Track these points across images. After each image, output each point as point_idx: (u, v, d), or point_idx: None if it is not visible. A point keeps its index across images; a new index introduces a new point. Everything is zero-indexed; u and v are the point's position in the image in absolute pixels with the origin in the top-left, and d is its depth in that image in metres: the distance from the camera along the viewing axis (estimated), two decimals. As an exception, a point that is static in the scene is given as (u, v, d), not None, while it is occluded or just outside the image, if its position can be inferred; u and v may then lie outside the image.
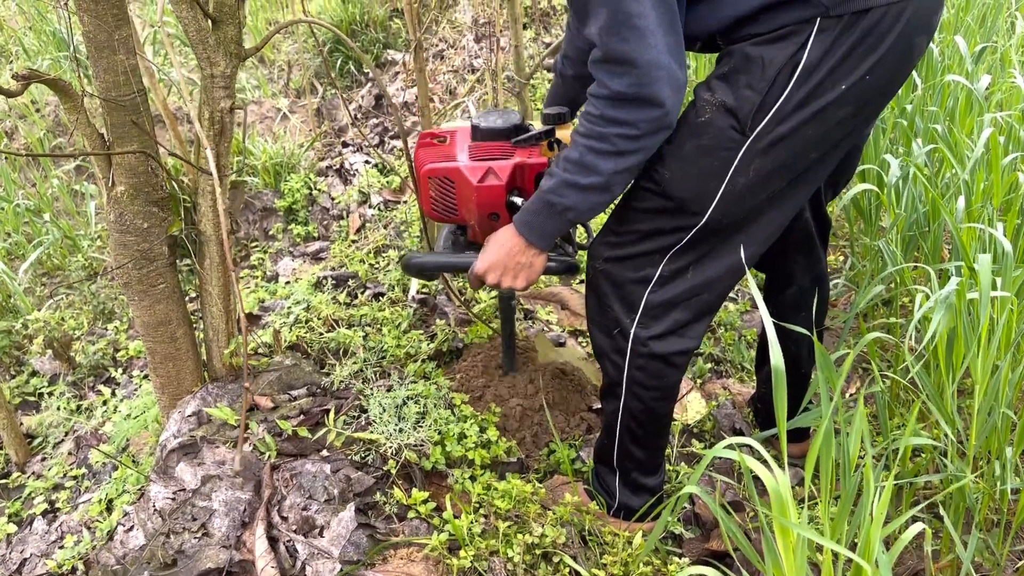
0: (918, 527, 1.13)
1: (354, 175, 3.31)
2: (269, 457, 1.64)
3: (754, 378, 2.10)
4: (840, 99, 1.26)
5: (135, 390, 2.26)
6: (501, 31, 4.11)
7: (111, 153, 1.61)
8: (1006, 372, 1.56)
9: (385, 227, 2.70)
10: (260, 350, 2.01)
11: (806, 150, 1.31)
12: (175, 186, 1.78)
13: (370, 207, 2.97)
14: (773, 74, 1.24)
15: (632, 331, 1.46)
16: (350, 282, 2.40)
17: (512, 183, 1.56)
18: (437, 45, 4.13)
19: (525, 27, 4.31)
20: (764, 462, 1.09)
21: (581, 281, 2.31)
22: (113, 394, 2.28)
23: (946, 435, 1.56)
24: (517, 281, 1.50)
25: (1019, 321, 1.65)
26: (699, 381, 2.15)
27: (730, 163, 1.31)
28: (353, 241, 2.85)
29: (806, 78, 1.24)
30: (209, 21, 1.61)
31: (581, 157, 1.31)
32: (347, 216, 3.05)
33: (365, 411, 1.78)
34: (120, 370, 2.38)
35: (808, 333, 1.51)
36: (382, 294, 2.32)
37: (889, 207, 2.09)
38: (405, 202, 2.89)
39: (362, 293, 2.33)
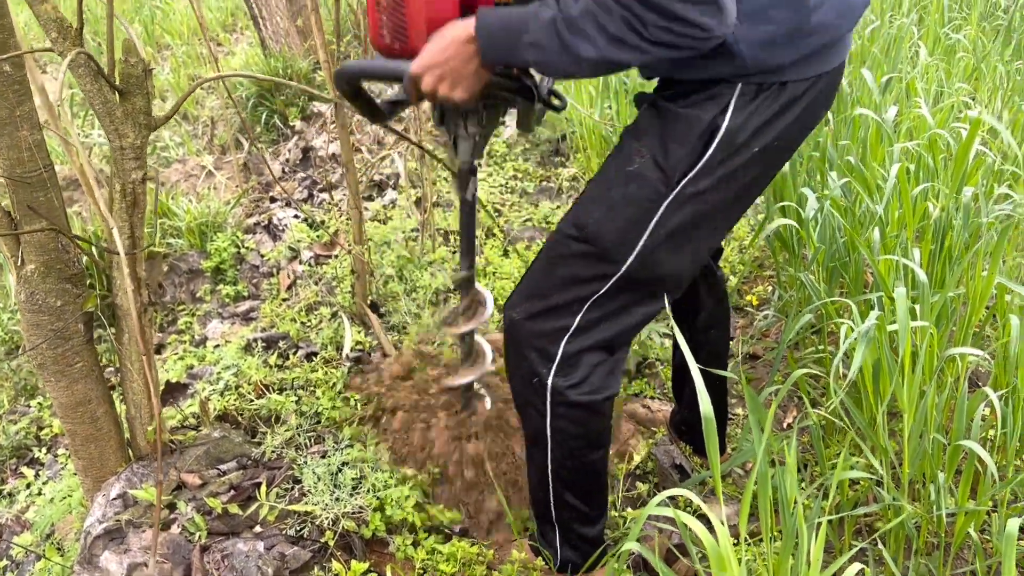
0: (856, 568, 1.13)
1: (283, 230, 3.26)
2: (199, 538, 1.57)
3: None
4: (752, 159, 1.32)
5: (60, 470, 2.16)
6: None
7: (18, 233, 1.55)
8: (932, 397, 1.60)
9: (316, 283, 2.66)
10: (187, 423, 1.95)
11: (724, 202, 1.36)
12: (94, 254, 1.72)
13: (300, 263, 2.92)
14: (700, 132, 1.29)
15: (550, 381, 1.44)
16: (281, 343, 2.34)
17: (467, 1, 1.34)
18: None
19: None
20: (700, 515, 1.08)
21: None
22: (37, 476, 2.18)
23: (880, 463, 1.58)
24: (456, 90, 1.31)
25: (940, 347, 1.69)
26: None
27: (654, 214, 1.33)
28: (284, 299, 2.80)
29: (729, 139, 1.29)
30: (116, 93, 1.57)
31: (580, 18, 1.17)
32: (277, 273, 3.00)
33: (299, 481, 1.72)
34: (44, 449, 2.27)
35: (719, 373, 1.52)
36: (315, 354, 2.27)
37: (808, 240, 2.14)
38: (336, 256, 2.85)
39: (294, 354, 2.28)
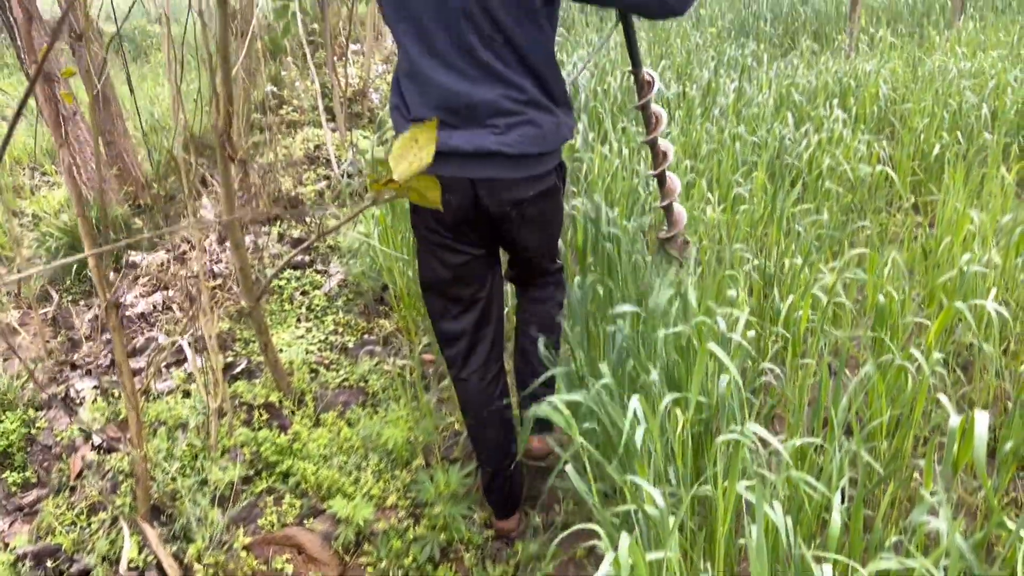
0: None
1: (80, 404, 3.05)
2: None
3: None
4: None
5: None
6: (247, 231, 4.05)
7: None
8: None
9: (103, 477, 2.47)
10: None
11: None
12: None
13: (92, 447, 2.72)
14: None
15: None
16: (49, 561, 2.14)
17: None
18: (180, 246, 3.99)
19: (273, 222, 4.28)
20: None
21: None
22: None
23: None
24: None
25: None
26: None
27: None
28: (72, 489, 2.59)
29: None
30: None
31: None
32: (70, 456, 2.78)
33: None
34: None
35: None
36: (87, 573, 2.09)
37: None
38: (130, 439, 2.67)
39: (66, 571, 2.09)
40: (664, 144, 2.43)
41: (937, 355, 2.10)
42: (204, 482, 2.30)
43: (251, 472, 2.43)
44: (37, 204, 5.02)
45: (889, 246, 3.77)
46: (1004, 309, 2.46)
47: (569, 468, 1.69)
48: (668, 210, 2.56)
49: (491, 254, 2.04)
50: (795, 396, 2.13)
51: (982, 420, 1.56)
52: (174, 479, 2.27)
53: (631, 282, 2.51)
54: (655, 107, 2.36)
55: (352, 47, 8.05)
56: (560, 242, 2.23)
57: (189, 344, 2.73)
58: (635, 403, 1.64)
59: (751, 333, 2.18)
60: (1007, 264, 2.97)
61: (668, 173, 2.48)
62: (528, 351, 2.21)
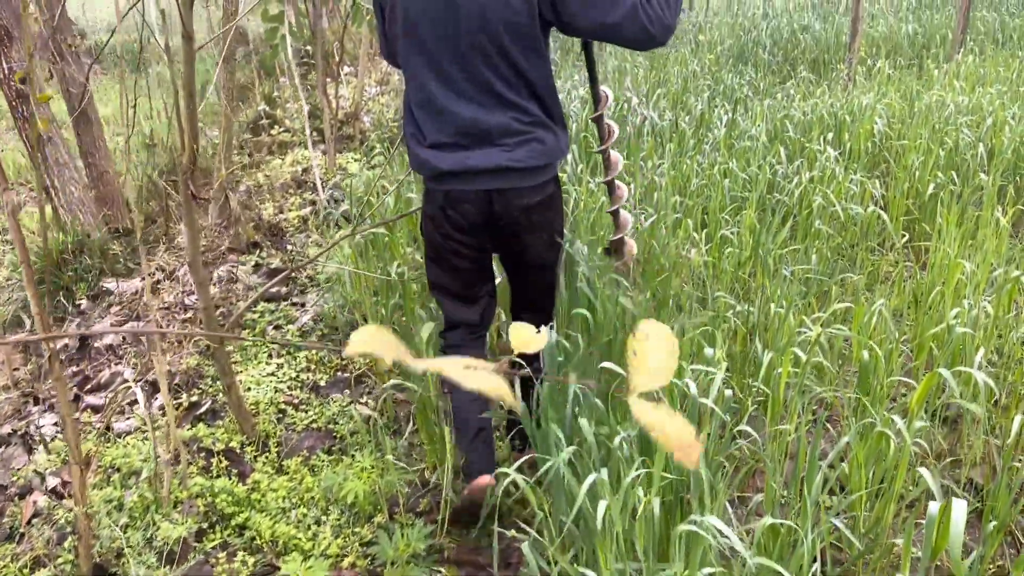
0: None
1: (39, 443, 2.95)
2: None
3: None
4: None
5: None
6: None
7: None
8: None
9: (53, 525, 2.37)
10: None
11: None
12: None
13: (45, 491, 2.62)
14: None
15: None
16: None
17: None
18: (154, 275, 3.90)
19: (250, 250, 4.19)
20: None
21: None
22: None
23: None
24: None
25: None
26: None
27: None
28: (22, 535, 2.48)
29: None
30: None
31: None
32: (24, 498, 2.68)
33: None
34: None
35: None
36: (21, 636, 1.98)
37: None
38: (73, 496, 2.57)
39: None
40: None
41: (920, 423, 2.00)
42: (152, 538, 2.20)
43: (205, 525, 2.33)
44: (22, 221, 4.93)
45: (880, 287, 3.69)
46: (989, 376, 2.36)
47: (526, 548, 1.59)
48: (615, 215, 2.63)
49: (489, 265, 2.34)
50: (773, 459, 2.03)
51: (959, 510, 1.46)
52: (122, 533, 2.17)
53: (607, 330, 2.42)
54: (609, 120, 2.52)
55: (346, 68, 7.99)
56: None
57: (143, 389, 2.63)
58: (591, 480, 1.55)
59: (728, 392, 2.08)
60: (998, 313, 2.88)
61: (616, 182, 2.59)
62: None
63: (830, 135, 4.87)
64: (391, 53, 2.21)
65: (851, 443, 1.98)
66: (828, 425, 2.60)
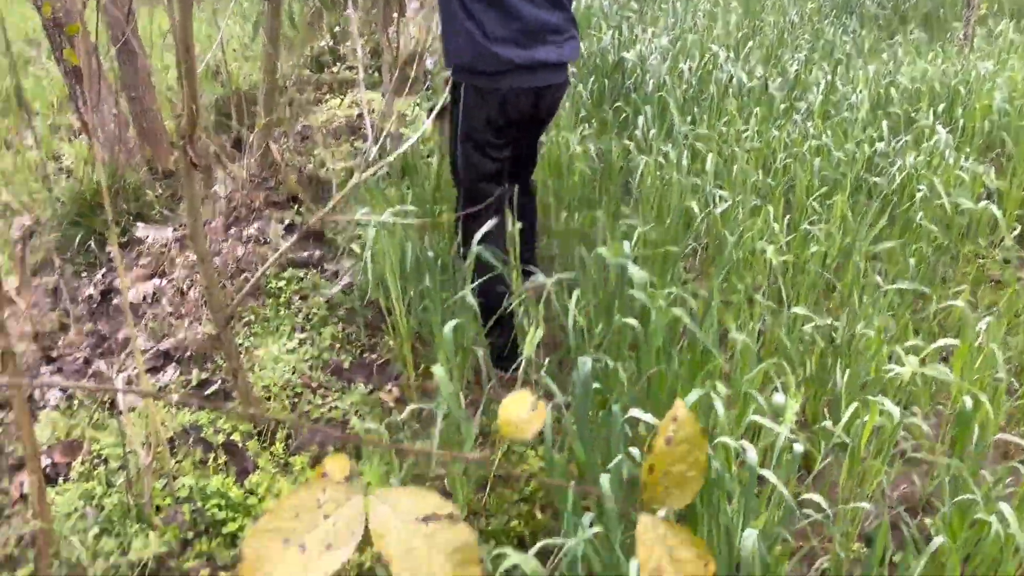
0: None
1: (44, 407, 2.77)
2: None
3: None
4: None
5: None
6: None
7: None
8: None
9: (26, 521, 2.18)
10: None
11: None
12: None
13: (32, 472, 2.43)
14: None
15: None
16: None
17: None
18: (184, 226, 3.67)
19: (290, 203, 3.92)
20: None
21: None
22: None
23: None
24: None
25: None
26: None
27: None
28: (8, 517, 2.31)
29: None
30: None
31: None
32: (14, 476, 2.50)
33: None
34: None
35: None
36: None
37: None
38: (80, 461, 2.37)
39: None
40: None
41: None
42: (127, 550, 1.98)
43: (190, 534, 2.10)
44: (77, 148, 4.76)
45: (982, 292, 3.21)
46: None
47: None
48: None
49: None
50: (843, 545, 1.67)
51: None
52: (93, 543, 1.95)
53: (659, 355, 2.05)
54: None
55: (413, 3, 7.57)
56: None
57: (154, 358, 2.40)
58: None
59: (798, 448, 1.71)
60: None
61: None
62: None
63: (940, 107, 4.30)
64: None
65: (944, 534, 1.59)
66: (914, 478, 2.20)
